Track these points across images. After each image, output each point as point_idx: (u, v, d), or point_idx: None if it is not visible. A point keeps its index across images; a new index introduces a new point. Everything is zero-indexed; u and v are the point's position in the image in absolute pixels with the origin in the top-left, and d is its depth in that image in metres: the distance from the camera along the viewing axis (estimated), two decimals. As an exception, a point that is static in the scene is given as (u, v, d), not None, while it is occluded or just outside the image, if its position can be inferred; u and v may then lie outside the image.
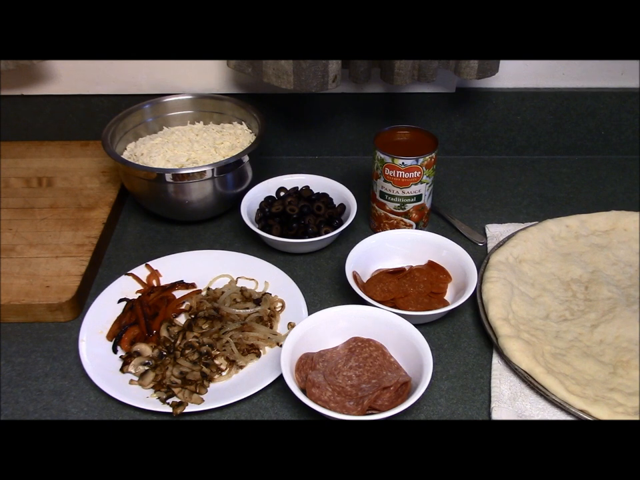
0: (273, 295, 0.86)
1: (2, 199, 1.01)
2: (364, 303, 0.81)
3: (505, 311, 0.81)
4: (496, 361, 0.78)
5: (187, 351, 0.78)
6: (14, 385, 0.76)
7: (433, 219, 1.02)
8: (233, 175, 0.96)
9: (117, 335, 0.80)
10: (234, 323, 0.81)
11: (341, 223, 0.95)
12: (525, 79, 1.13)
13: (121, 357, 0.79)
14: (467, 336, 0.83)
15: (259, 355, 0.79)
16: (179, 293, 0.87)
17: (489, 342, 0.81)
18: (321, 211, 0.95)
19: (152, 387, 0.75)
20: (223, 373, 0.77)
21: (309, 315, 0.81)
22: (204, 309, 0.83)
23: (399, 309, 0.81)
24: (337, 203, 0.99)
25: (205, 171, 0.91)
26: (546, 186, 1.11)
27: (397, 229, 0.95)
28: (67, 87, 1.11)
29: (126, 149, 1.03)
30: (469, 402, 0.74)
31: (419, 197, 0.92)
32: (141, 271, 0.90)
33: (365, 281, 0.87)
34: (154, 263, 0.91)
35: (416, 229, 0.95)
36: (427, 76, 1.00)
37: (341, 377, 0.74)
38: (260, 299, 0.84)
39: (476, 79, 0.99)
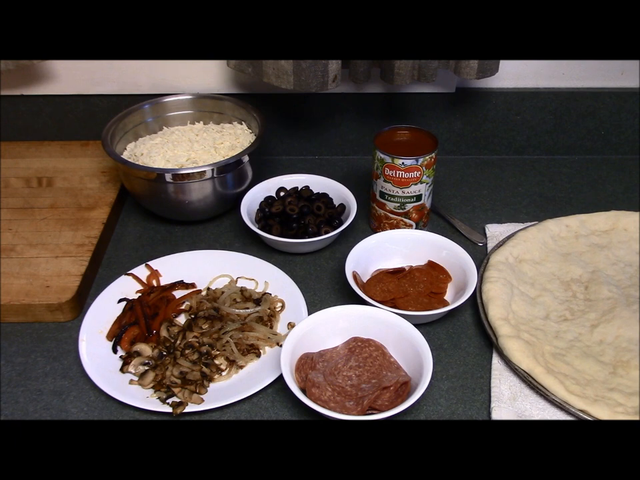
0: (273, 295, 0.86)
1: (2, 199, 1.01)
2: (364, 302, 0.81)
3: (505, 311, 0.81)
4: (496, 361, 0.78)
5: (187, 351, 0.78)
6: (14, 384, 0.76)
7: (433, 218, 1.02)
8: (232, 175, 0.96)
9: (117, 335, 0.80)
10: (234, 323, 0.81)
11: (341, 223, 0.95)
12: (524, 79, 1.13)
13: (120, 356, 0.79)
14: (466, 336, 0.83)
15: (258, 355, 0.79)
16: (179, 293, 0.87)
17: (488, 342, 0.81)
18: (320, 211, 0.95)
19: (152, 387, 0.75)
20: (223, 373, 0.77)
21: (309, 315, 0.81)
22: (204, 309, 0.83)
23: (399, 308, 0.81)
24: (336, 203, 0.99)
25: (204, 171, 0.91)
26: (546, 186, 1.11)
27: (397, 228, 0.95)
28: (67, 87, 1.11)
29: (126, 148, 1.03)
30: (469, 402, 0.74)
31: (418, 197, 0.92)
32: (141, 271, 0.90)
33: (364, 281, 0.87)
34: (154, 263, 0.91)
35: (416, 229, 0.95)
36: (426, 76, 1.00)
37: (340, 377, 0.74)
38: (260, 299, 0.84)
39: (476, 79, 0.99)
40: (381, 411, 0.70)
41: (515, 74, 1.12)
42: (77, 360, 0.78)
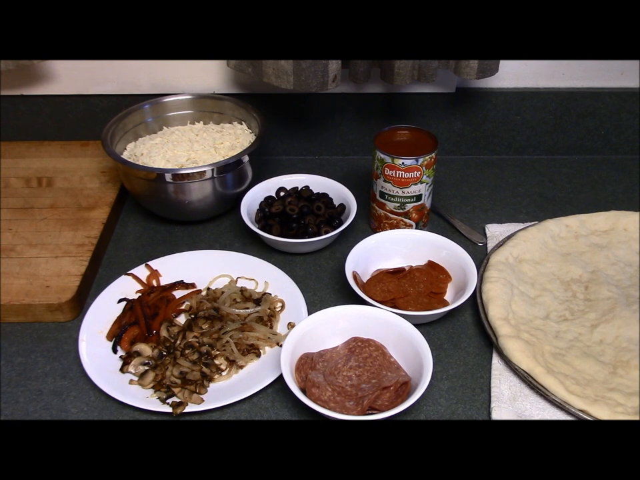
0: (272, 295, 0.86)
1: (2, 199, 1.01)
2: (364, 302, 0.81)
3: (505, 310, 0.81)
4: (496, 361, 0.78)
5: (187, 351, 0.78)
6: (14, 384, 0.76)
7: (433, 219, 1.02)
8: (232, 175, 0.96)
9: (117, 335, 0.80)
10: (234, 323, 0.81)
11: (341, 223, 0.95)
12: (524, 79, 1.13)
13: (120, 356, 0.79)
14: (466, 336, 0.83)
15: (258, 355, 0.79)
16: (179, 293, 0.87)
17: (488, 342, 0.81)
18: (320, 211, 0.95)
19: (152, 387, 0.75)
20: (223, 373, 0.77)
21: (309, 315, 0.81)
22: (204, 309, 0.83)
23: (399, 308, 0.81)
24: (336, 203, 0.99)
25: (204, 171, 0.91)
26: (546, 186, 1.11)
27: (397, 228, 0.95)
28: (67, 87, 1.11)
29: (126, 148, 1.03)
30: (469, 402, 0.74)
31: (418, 197, 0.92)
32: (141, 271, 0.90)
33: (364, 281, 0.87)
34: (154, 263, 0.91)
35: (416, 229, 0.95)
36: (426, 76, 1.00)
37: (340, 377, 0.74)
38: (260, 299, 0.84)
39: (476, 79, 0.99)
40: (381, 411, 0.70)
41: (515, 74, 1.12)
42: (76, 360, 0.78)
